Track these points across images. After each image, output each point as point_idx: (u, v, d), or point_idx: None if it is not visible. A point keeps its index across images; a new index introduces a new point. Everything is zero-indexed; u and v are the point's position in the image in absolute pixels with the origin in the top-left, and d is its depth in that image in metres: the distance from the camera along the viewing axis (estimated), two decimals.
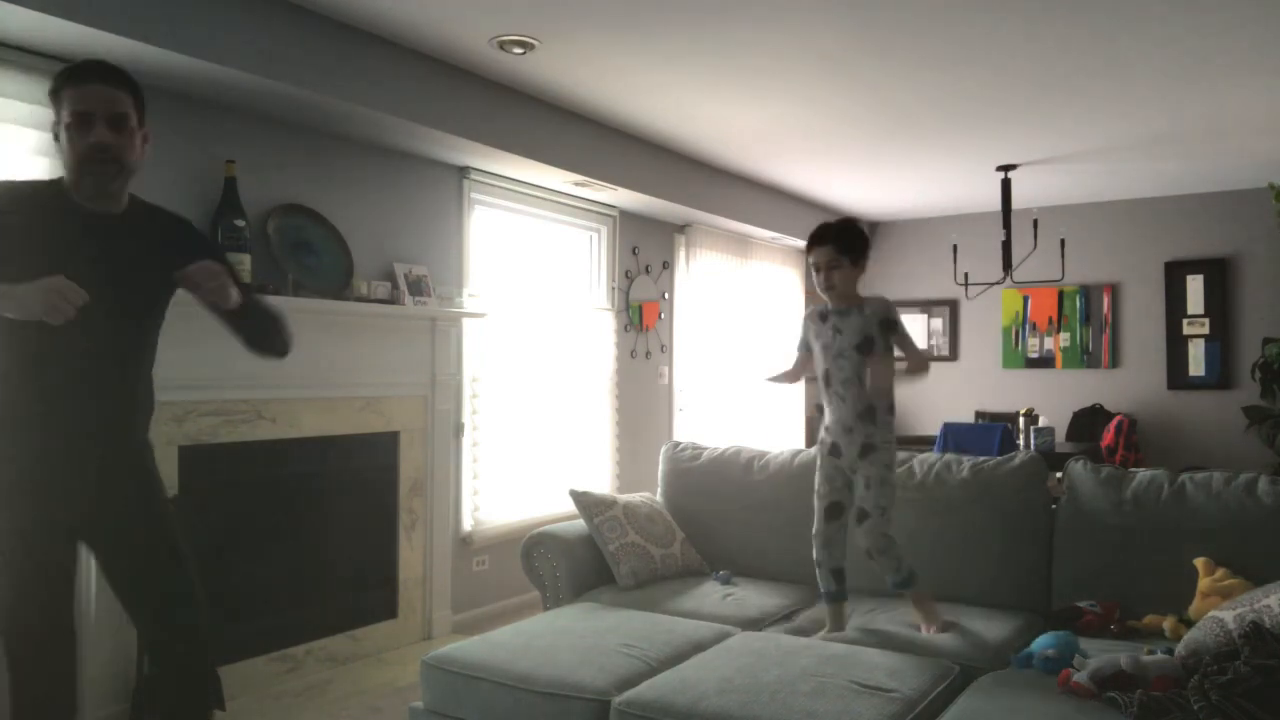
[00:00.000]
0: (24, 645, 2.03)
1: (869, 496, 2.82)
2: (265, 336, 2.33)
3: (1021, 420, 6.22)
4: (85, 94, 1.97)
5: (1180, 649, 2.27)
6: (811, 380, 3.09)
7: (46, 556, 2.05)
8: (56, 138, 2.03)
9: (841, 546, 2.94)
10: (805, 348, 3.04)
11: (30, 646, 2.03)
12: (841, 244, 2.88)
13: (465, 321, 4.58)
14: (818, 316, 2.98)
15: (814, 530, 2.98)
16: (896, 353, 2.93)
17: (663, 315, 6.19)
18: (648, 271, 6.05)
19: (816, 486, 2.98)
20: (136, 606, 2.20)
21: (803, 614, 3.10)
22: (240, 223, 3.49)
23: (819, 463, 2.97)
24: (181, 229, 2.28)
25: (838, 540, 2.93)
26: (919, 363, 2.92)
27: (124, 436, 2.17)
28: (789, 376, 3.14)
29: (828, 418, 2.93)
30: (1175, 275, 6.80)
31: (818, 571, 2.96)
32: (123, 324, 2.12)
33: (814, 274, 2.93)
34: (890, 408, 2.89)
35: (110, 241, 2.06)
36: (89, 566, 3.16)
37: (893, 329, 2.87)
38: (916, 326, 7.73)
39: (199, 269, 2.04)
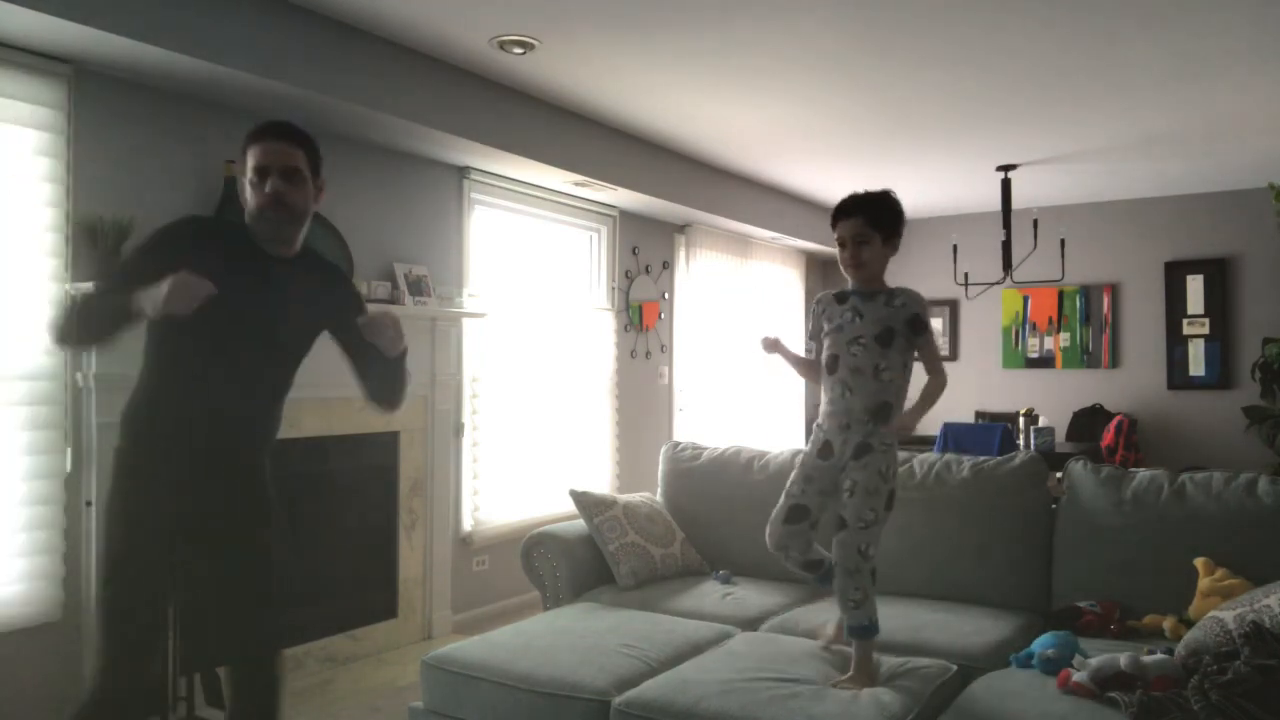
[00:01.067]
0: (118, 627, 2.17)
1: (850, 505, 2.46)
2: (392, 386, 2.49)
3: (1021, 420, 6.22)
4: (264, 150, 2.19)
5: (1180, 649, 2.27)
6: (816, 382, 2.74)
7: (154, 561, 2.18)
8: (242, 189, 2.22)
9: (800, 548, 2.64)
10: (817, 338, 2.69)
11: (122, 631, 2.17)
12: (872, 216, 2.54)
13: (465, 321, 4.58)
14: (833, 299, 2.64)
15: (768, 527, 2.66)
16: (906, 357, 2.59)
17: (663, 315, 6.19)
18: (648, 271, 6.05)
19: (789, 483, 2.65)
20: (222, 634, 2.35)
21: (795, 610, 3.06)
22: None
23: (802, 458, 2.65)
24: (340, 280, 2.49)
25: (795, 544, 2.63)
26: (939, 381, 2.59)
27: (249, 458, 2.33)
28: (803, 369, 2.81)
29: (825, 408, 2.61)
30: (1175, 275, 6.80)
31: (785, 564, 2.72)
32: (272, 356, 2.31)
33: (839, 250, 2.59)
34: (903, 410, 2.57)
35: (276, 281, 2.24)
36: (87, 562, 3.17)
37: (921, 330, 2.54)
38: None
39: (384, 316, 2.24)
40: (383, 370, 2.42)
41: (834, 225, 2.61)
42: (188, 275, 1.98)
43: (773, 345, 2.81)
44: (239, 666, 2.37)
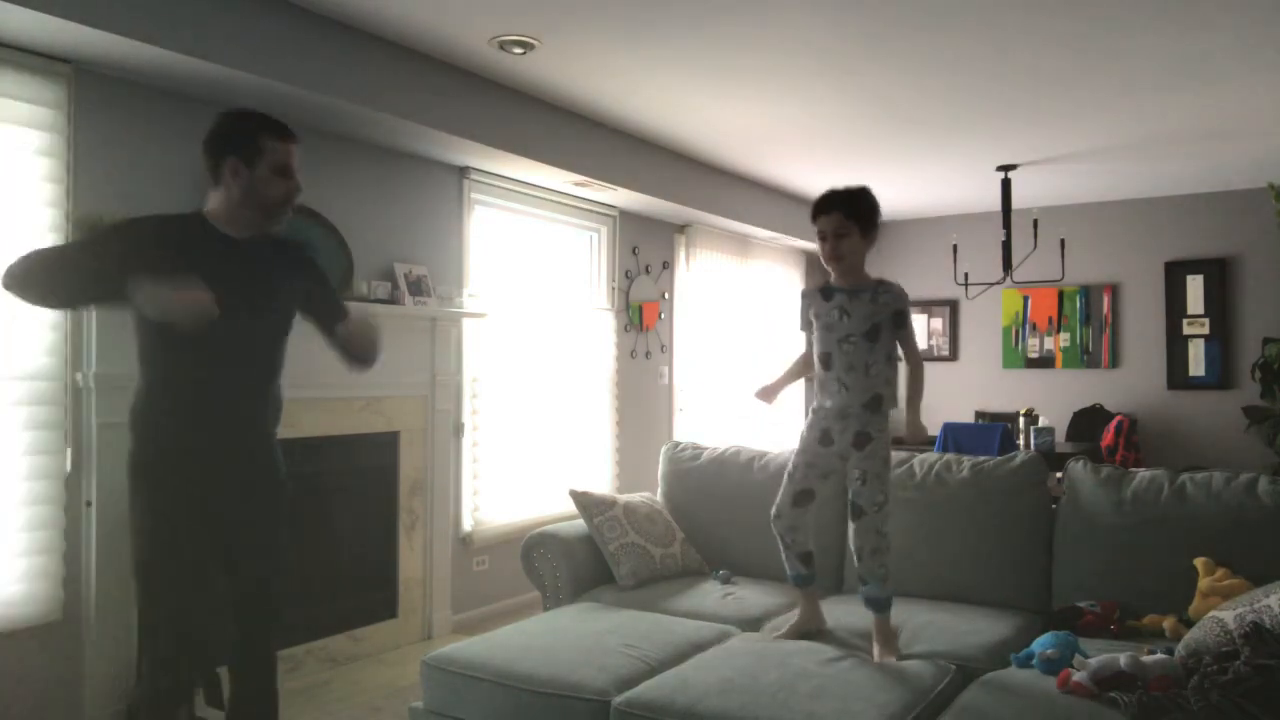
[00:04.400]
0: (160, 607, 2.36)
1: (865, 492, 2.66)
2: (364, 353, 2.67)
3: (1021, 420, 6.22)
4: (287, 149, 2.40)
5: (1180, 649, 2.27)
6: (810, 378, 2.89)
7: (186, 538, 2.35)
8: (234, 174, 2.34)
9: (806, 531, 2.82)
10: (808, 330, 2.83)
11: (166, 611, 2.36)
12: (850, 210, 2.65)
13: (465, 321, 4.58)
14: (818, 294, 2.75)
15: (774, 512, 2.82)
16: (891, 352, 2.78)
17: (663, 315, 6.19)
18: (648, 271, 6.05)
19: (790, 469, 2.81)
20: (237, 599, 2.49)
21: (795, 611, 3.04)
22: None
23: (802, 444, 2.80)
24: (297, 250, 2.68)
25: (802, 525, 2.81)
26: (919, 370, 2.79)
27: (257, 432, 2.52)
28: (789, 378, 2.99)
29: (822, 400, 2.76)
30: (1175, 275, 6.80)
31: (783, 555, 2.85)
32: (259, 333, 2.47)
33: (820, 243, 2.71)
34: (894, 398, 2.75)
35: (250, 263, 2.43)
36: (88, 562, 3.17)
37: (903, 324, 2.71)
38: (916, 327, 7.71)
39: (364, 326, 2.61)
40: (353, 345, 2.64)
41: (814, 219, 2.72)
42: (201, 296, 2.15)
43: (768, 394, 3.01)
44: (242, 656, 2.53)
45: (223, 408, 2.40)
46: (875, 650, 2.60)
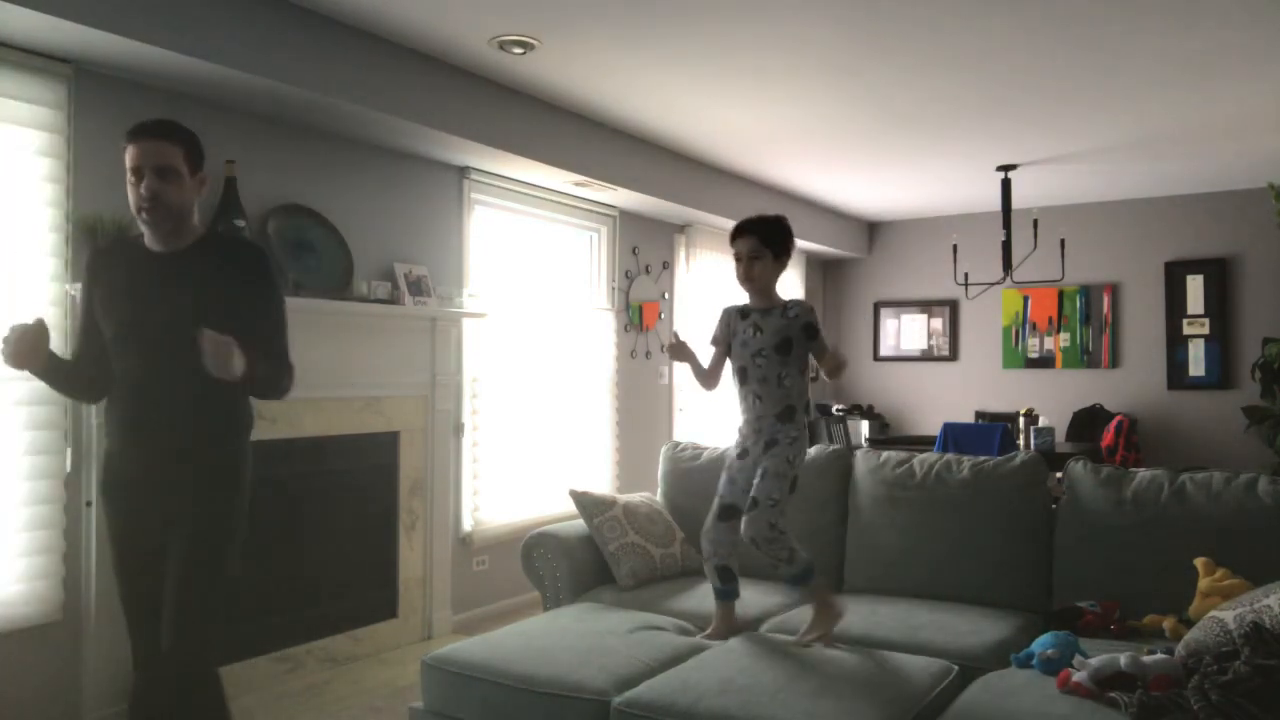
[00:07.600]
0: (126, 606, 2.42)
1: (762, 486, 2.77)
2: (267, 389, 2.47)
3: (1021, 420, 6.22)
4: (138, 149, 2.25)
5: (1180, 649, 2.27)
6: (708, 388, 3.10)
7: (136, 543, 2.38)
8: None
9: (729, 547, 2.88)
10: (723, 344, 2.99)
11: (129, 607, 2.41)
12: (765, 235, 2.88)
13: (465, 321, 4.58)
14: (738, 313, 2.96)
15: (704, 527, 2.93)
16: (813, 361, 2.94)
17: (663, 315, 6.19)
18: (648, 271, 6.05)
19: (719, 485, 2.94)
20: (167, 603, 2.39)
21: (794, 611, 3.05)
22: (240, 223, 3.49)
23: (726, 462, 2.95)
24: (242, 260, 2.43)
25: (725, 541, 2.88)
26: (837, 364, 2.87)
27: (187, 449, 2.35)
28: (701, 374, 3.06)
29: (742, 415, 2.93)
30: (1175, 275, 6.81)
31: (705, 567, 2.94)
32: (179, 350, 2.25)
33: (735, 265, 2.92)
34: (807, 407, 2.86)
35: (163, 275, 2.34)
36: (88, 562, 3.17)
37: (814, 335, 2.86)
38: (916, 326, 7.74)
39: (208, 338, 2.17)
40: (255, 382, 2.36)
41: (731, 242, 2.93)
42: (15, 329, 2.19)
43: (679, 350, 3.04)
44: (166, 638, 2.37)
45: (144, 411, 2.35)
46: (804, 631, 2.67)
